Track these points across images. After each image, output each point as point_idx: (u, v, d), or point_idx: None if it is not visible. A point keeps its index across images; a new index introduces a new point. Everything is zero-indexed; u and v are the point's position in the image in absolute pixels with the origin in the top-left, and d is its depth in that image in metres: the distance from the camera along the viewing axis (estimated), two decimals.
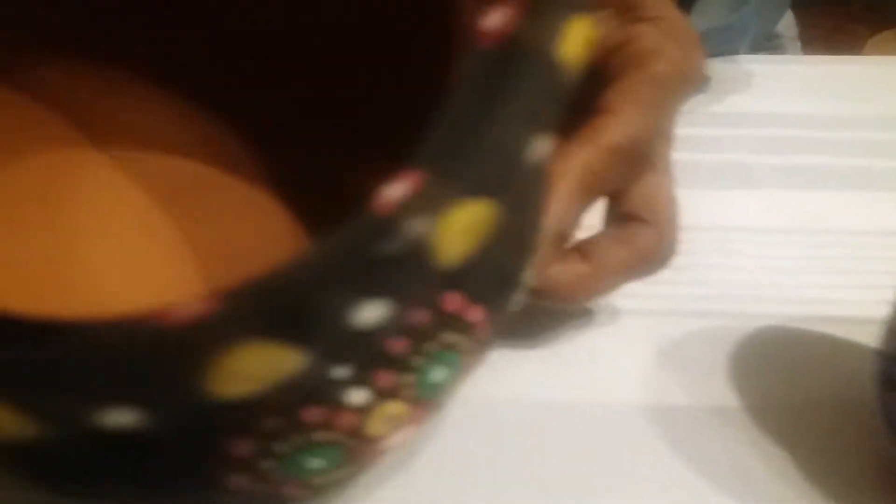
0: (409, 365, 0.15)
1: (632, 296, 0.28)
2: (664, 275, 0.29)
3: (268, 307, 0.12)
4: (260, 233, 0.28)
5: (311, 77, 0.26)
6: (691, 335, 0.26)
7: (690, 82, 0.24)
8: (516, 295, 0.17)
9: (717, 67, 0.46)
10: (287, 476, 0.15)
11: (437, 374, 0.16)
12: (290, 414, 0.14)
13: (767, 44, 0.53)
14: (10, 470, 0.15)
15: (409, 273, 0.14)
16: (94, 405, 0.13)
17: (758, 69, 0.47)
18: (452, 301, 0.15)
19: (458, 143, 0.13)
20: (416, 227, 0.13)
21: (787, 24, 0.56)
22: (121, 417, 0.13)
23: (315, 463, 0.15)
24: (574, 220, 0.23)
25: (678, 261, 0.30)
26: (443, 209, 0.13)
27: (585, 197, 0.23)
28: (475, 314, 0.16)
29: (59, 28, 0.24)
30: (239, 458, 0.14)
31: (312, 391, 0.14)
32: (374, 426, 0.15)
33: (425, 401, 0.16)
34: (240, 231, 0.28)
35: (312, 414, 0.14)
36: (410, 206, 0.12)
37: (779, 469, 0.22)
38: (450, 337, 0.16)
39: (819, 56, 0.50)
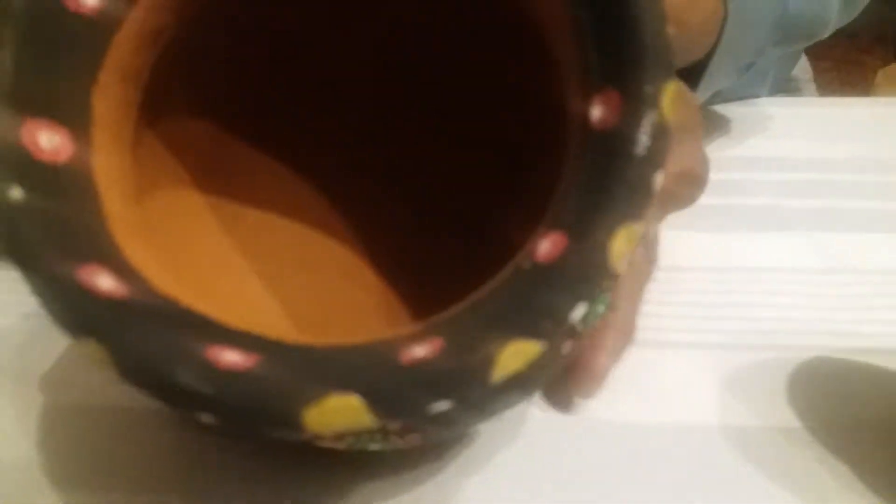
0: None
1: (693, 331, 0.32)
2: (717, 311, 0.33)
3: None
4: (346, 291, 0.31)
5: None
6: (750, 366, 0.30)
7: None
8: None
9: (738, 111, 0.50)
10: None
11: None
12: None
13: (785, 86, 0.57)
14: None
15: None
16: None
17: (777, 112, 0.51)
18: None
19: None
20: None
21: (803, 67, 0.60)
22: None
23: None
24: None
25: (727, 299, 0.34)
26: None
27: None
28: None
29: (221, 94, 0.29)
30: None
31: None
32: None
33: None
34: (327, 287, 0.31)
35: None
36: None
37: (845, 482, 0.25)
38: None
39: (834, 98, 0.54)
